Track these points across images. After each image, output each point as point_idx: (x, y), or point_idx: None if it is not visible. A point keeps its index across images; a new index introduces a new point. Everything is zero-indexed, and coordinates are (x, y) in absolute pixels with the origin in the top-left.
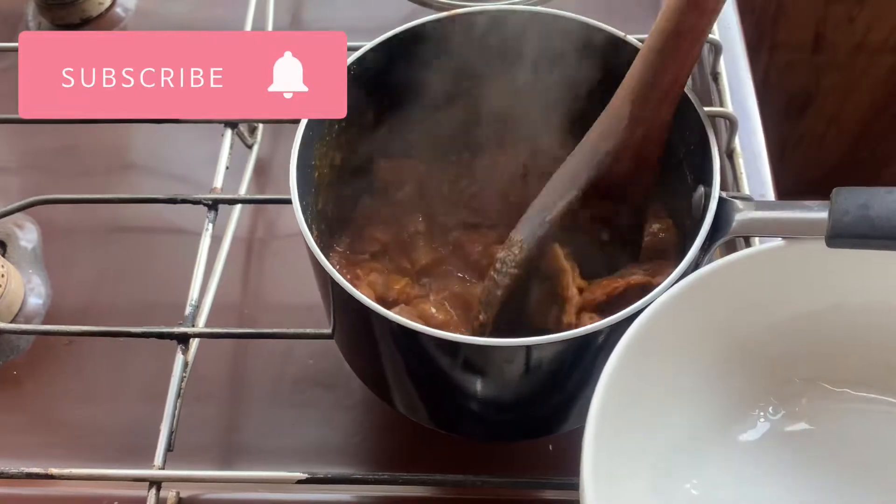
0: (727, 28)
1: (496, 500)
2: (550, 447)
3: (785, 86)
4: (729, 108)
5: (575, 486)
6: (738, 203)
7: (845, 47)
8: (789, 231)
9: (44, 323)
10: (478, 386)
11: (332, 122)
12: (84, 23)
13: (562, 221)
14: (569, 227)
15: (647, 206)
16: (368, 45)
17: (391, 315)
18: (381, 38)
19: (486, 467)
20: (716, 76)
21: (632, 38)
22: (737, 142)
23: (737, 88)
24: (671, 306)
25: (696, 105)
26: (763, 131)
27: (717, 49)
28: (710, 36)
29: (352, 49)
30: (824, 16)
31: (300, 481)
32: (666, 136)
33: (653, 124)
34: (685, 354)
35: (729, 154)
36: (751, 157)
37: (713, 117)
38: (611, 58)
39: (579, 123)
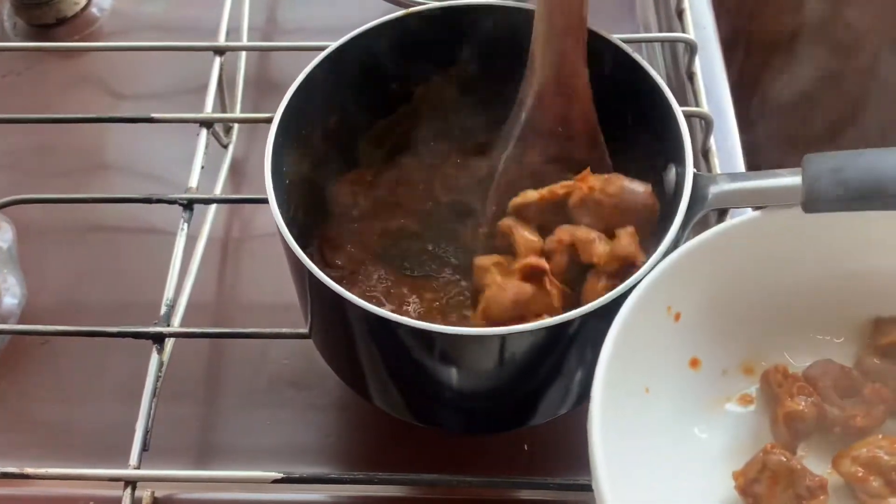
0: (702, 28)
1: (472, 500)
2: (526, 447)
3: (760, 85)
4: (704, 107)
5: (551, 487)
6: (713, 177)
7: (823, 46)
8: (765, 200)
9: (19, 323)
10: (454, 375)
11: (298, 126)
12: (59, 23)
13: (511, 173)
14: (522, 177)
15: (596, 138)
16: (327, 51)
17: (369, 306)
18: (342, 40)
19: (461, 467)
20: (691, 76)
21: (600, 30)
22: (712, 141)
23: (712, 88)
24: (663, 280)
25: (662, 88)
26: (738, 130)
27: (692, 48)
28: (686, 35)
29: (317, 49)
30: (800, 15)
31: (276, 481)
32: (582, 70)
33: (562, 60)
34: (680, 325)
35: (704, 153)
36: (726, 157)
37: (688, 117)
38: None
39: None
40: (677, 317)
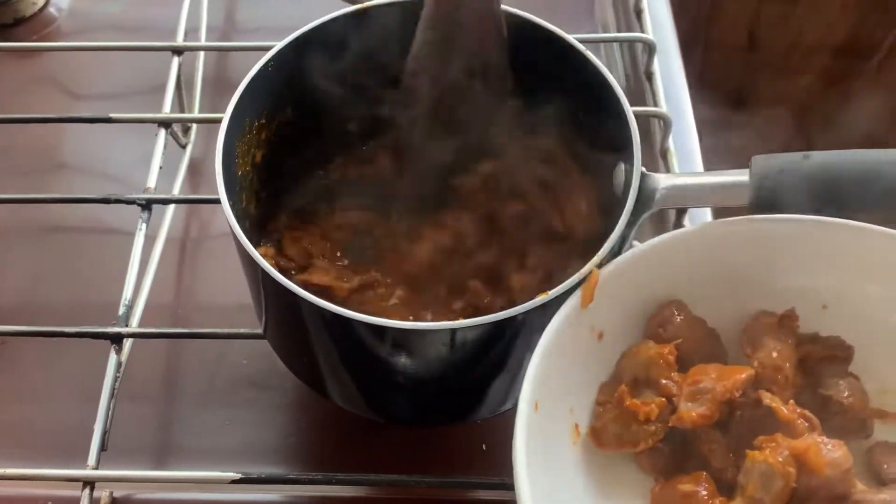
0: (661, 27)
1: (431, 500)
2: (484, 447)
3: (719, 85)
4: (663, 107)
5: (507, 487)
6: (661, 176)
7: (779, 47)
8: (712, 200)
9: None
10: (407, 368)
11: (251, 118)
12: (17, 23)
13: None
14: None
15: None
16: (284, 41)
17: (320, 302)
18: (296, 34)
19: (421, 467)
20: (650, 76)
21: (549, 25)
22: (670, 141)
23: (671, 88)
24: (606, 281)
25: (612, 84)
26: (697, 131)
27: (651, 49)
28: (644, 35)
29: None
30: (758, 16)
31: (234, 481)
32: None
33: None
34: (603, 344)
35: (663, 154)
36: (685, 157)
37: (647, 117)
38: (529, 44)
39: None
40: (600, 336)
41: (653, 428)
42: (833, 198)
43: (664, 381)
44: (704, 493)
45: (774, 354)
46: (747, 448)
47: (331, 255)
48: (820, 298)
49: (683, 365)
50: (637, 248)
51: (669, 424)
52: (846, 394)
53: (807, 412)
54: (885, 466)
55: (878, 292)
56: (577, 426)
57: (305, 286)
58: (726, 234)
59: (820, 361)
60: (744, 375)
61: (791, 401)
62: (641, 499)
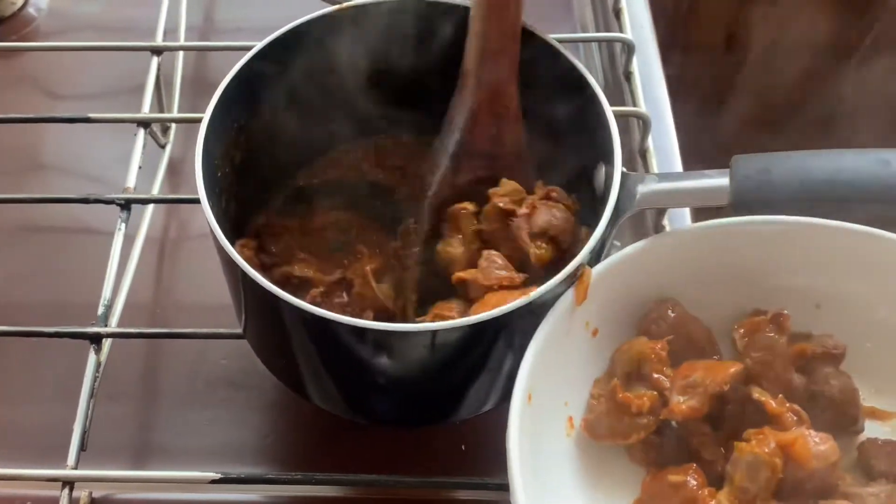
0: (640, 28)
1: (410, 500)
2: (463, 447)
3: (698, 85)
4: (642, 107)
5: (487, 487)
6: (641, 177)
7: (758, 47)
8: (693, 200)
9: None
10: (386, 370)
11: (231, 118)
12: None
13: (443, 193)
14: (453, 197)
15: (523, 157)
16: (264, 42)
17: (299, 302)
18: (275, 34)
19: (400, 467)
20: (628, 76)
21: (528, 25)
22: (650, 141)
23: (649, 88)
24: (600, 279)
25: (592, 85)
26: (676, 131)
27: (629, 49)
28: (623, 35)
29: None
30: (737, 15)
31: (214, 481)
32: (514, 89)
33: (497, 80)
34: (597, 340)
35: (642, 154)
36: (664, 157)
37: (626, 117)
38: None
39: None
40: (595, 332)
41: (645, 420)
42: (816, 197)
43: (656, 376)
44: (694, 483)
45: (766, 351)
46: (737, 441)
47: (312, 249)
48: (813, 298)
49: (676, 361)
50: (631, 247)
51: (661, 417)
52: (836, 390)
53: (796, 406)
54: (875, 462)
55: (871, 292)
56: (571, 419)
57: (287, 278)
58: (721, 234)
59: (812, 359)
60: (733, 369)
61: (780, 395)
62: (632, 490)
